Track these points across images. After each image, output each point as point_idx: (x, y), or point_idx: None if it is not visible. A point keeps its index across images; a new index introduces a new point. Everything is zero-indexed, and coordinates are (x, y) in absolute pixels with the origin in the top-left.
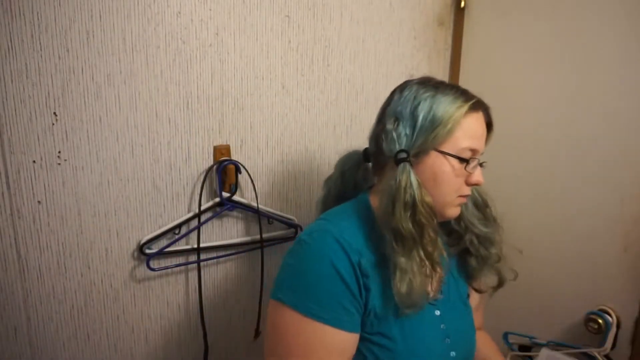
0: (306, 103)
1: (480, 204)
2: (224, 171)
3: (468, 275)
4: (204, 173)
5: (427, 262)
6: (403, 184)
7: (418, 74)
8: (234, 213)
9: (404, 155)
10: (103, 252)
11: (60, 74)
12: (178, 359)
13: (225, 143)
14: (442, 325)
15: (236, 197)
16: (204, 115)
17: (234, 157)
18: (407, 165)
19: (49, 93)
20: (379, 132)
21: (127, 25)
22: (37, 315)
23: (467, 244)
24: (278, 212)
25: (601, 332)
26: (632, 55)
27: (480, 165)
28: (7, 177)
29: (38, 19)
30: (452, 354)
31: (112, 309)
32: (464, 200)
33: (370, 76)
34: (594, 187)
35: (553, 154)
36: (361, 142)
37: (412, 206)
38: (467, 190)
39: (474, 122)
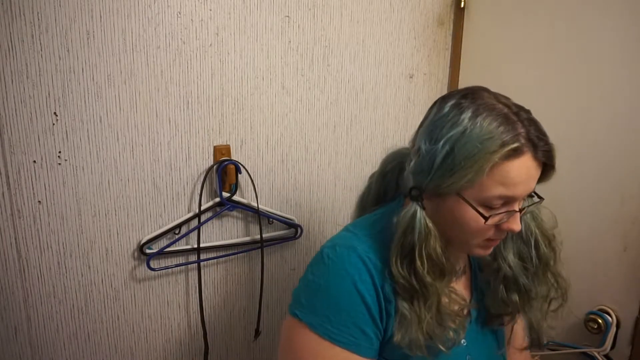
0: (306, 103)
1: (524, 242)
2: (224, 171)
3: (494, 308)
4: (204, 173)
5: (433, 316)
6: (403, 225)
7: (418, 74)
8: (234, 213)
9: (416, 193)
10: (103, 252)
11: (61, 74)
12: (178, 359)
13: (225, 143)
14: (467, 357)
15: (236, 197)
16: (204, 115)
17: (234, 157)
18: (416, 207)
19: (49, 93)
20: (412, 147)
21: (127, 25)
22: (38, 315)
23: (501, 280)
24: (278, 212)
25: (601, 332)
26: (633, 55)
27: (531, 201)
28: (7, 177)
29: (38, 19)
30: None
31: (113, 309)
32: (494, 243)
33: (370, 76)
34: (594, 187)
35: None
36: (361, 142)
37: (409, 256)
38: (497, 235)
39: (513, 169)
